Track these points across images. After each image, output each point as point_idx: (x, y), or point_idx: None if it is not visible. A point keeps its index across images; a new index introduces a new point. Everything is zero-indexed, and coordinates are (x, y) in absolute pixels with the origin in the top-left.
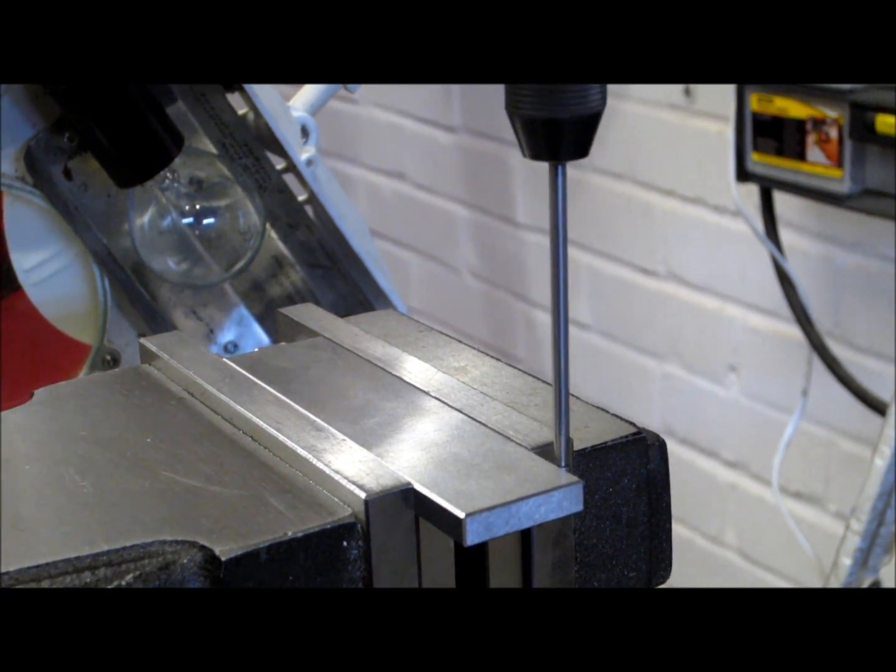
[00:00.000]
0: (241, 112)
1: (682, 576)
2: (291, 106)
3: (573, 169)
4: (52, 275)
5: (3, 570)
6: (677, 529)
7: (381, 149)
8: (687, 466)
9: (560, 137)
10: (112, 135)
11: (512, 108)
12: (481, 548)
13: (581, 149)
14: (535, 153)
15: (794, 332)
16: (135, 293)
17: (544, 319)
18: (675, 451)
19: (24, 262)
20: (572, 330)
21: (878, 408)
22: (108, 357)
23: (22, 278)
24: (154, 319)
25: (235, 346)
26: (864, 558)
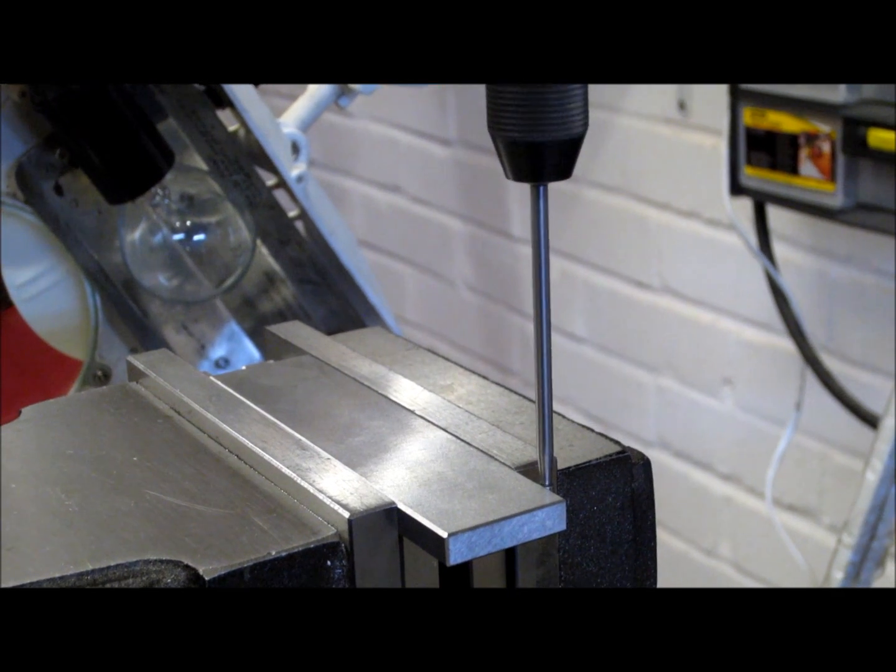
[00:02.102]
0: (231, 129)
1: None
2: (282, 122)
3: (569, 183)
4: (44, 291)
5: None
6: (672, 542)
7: (376, 162)
8: (681, 479)
9: (542, 160)
10: (103, 151)
11: (494, 129)
12: (465, 567)
13: (563, 171)
14: (518, 175)
15: (788, 345)
16: (126, 309)
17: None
18: (670, 464)
19: (15, 278)
20: (568, 343)
21: (871, 421)
22: (100, 372)
23: (13, 294)
24: (145, 335)
25: (227, 361)
26: (857, 572)
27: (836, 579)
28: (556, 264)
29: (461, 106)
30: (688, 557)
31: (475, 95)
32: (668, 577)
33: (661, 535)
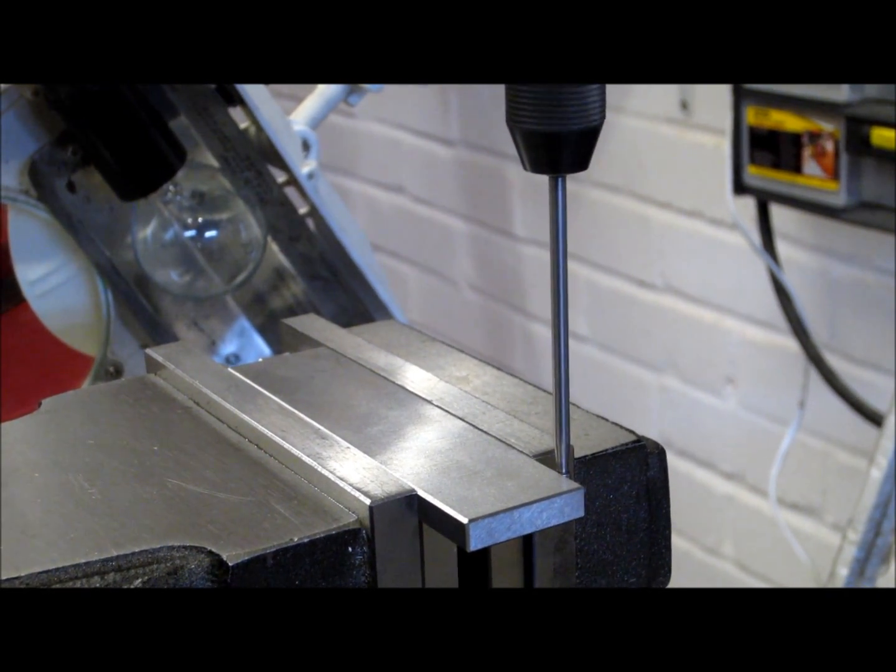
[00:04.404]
0: (242, 126)
1: (680, 587)
2: (292, 120)
3: (571, 182)
4: (56, 287)
5: (14, 576)
6: (675, 541)
7: (379, 163)
8: (684, 478)
9: (560, 151)
10: (115, 148)
11: (513, 121)
12: (484, 553)
13: (581, 162)
14: (536, 166)
15: (791, 344)
16: (137, 305)
17: (542, 332)
18: (673, 463)
19: (28, 275)
20: (571, 343)
21: (875, 419)
22: (111, 368)
23: (26, 290)
24: (156, 331)
25: (237, 357)
26: (861, 568)
27: (841, 576)
28: None
29: (464, 106)
30: (691, 556)
31: (478, 96)
32: (672, 575)
33: None
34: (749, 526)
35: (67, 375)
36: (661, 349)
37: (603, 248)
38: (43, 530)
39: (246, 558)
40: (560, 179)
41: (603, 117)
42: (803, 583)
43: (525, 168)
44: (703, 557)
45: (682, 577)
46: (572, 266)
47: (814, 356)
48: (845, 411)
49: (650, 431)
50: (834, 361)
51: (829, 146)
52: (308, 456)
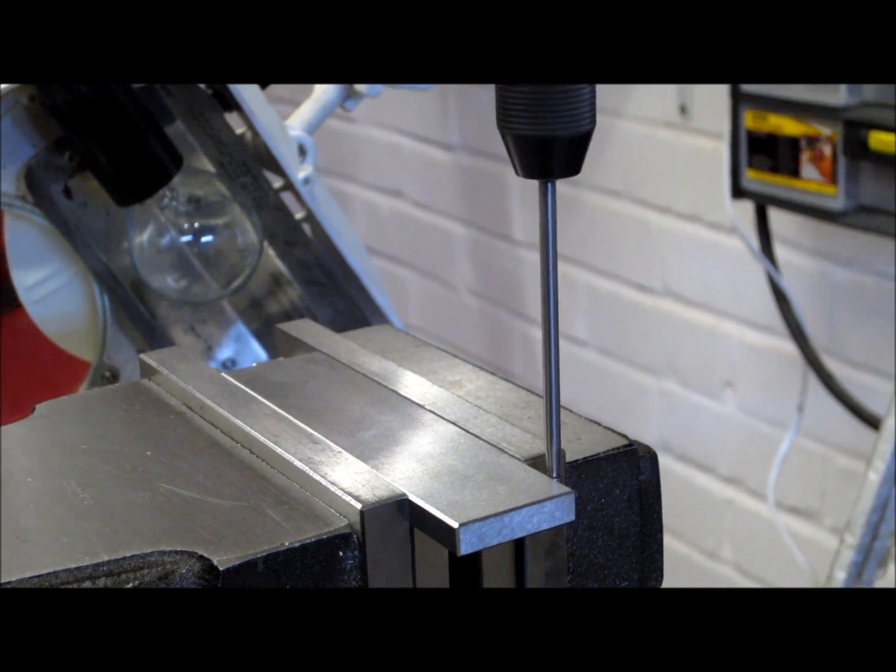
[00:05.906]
0: (239, 131)
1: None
2: (289, 125)
3: (571, 187)
4: (53, 292)
5: (5, 580)
6: (674, 545)
7: (378, 167)
8: (683, 482)
9: (551, 156)
10: (112, 154)
11: (503, 126)
12: (475, 557)
13: (572, 167)
14: (527, 171)
15: (790, 348)
16: (134, 310)
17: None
18: (672, 467)
19: (24, 280)
20: (570, 347)
21: (873, 422)
22: (108, 373)
23: (23, 296)
24: (153, 336)
25: (233, 362)
26: (859, 572)
27: (839, 579)
28: (559, 268)
29: (463, 110)
30: (690, 560)
31: (477, 100)
32: (670, 579)
33: (664, 538)
34: (748, 529)
35: (64, 380)
36: (660, 353)
37: (602, 253)
38: (35, 535)
39: (237, 563)
40: (550, 184)
41: (594, 122)
42: (801, 586)
43: (517, 173)
44: (701, 561)
45: (680, 580)
46: (572, 270)
47: (812, 360)
48: (844, 415)
49: (649, 435)
50: (832, 365)
51: (827, 150)
52: (300, 460)
